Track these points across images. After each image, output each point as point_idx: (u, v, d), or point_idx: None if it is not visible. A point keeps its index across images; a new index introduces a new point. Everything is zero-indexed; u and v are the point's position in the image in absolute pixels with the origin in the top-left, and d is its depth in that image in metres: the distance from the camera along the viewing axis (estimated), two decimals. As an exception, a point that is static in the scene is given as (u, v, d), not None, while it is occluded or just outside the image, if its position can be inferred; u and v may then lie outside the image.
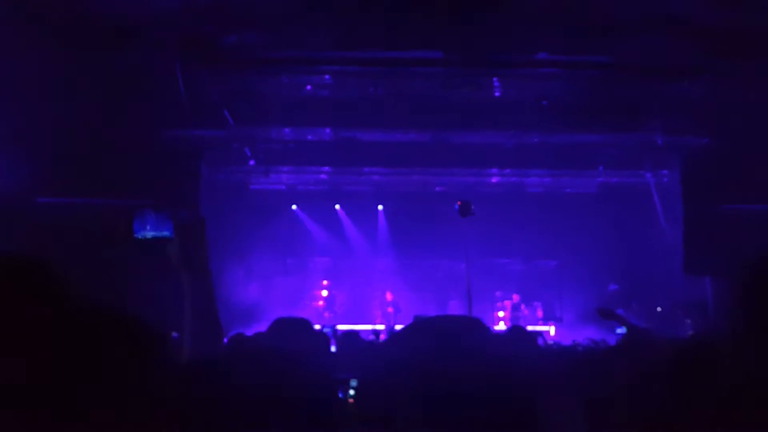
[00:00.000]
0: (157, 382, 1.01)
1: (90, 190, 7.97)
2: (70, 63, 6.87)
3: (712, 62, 7.28)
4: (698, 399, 1.17)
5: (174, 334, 1.75)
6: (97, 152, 7.81)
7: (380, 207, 11.97)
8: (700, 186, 8.94)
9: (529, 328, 9.72)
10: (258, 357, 1.38)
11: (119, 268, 6.76)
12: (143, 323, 1.02)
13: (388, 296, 11.53)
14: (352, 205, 11.80)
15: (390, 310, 11.40)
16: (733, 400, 0.94)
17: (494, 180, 11.01)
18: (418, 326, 1.10)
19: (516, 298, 11.81)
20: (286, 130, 9.29)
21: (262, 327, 2.64)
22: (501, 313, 11.72)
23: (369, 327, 10.03)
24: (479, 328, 1.09)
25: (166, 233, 1.90)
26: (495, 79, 8.13)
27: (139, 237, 1.90)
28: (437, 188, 11.41)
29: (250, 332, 2.94)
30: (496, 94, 8.45)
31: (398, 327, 4.94)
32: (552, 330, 11.08)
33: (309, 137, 9.44)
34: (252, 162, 9.83)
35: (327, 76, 8.08)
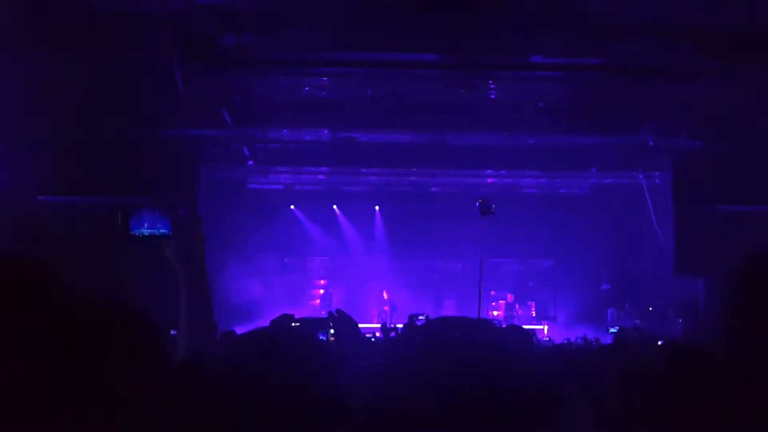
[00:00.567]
0: (155, 379, 1.02)
1: (89, 189, 8.01)
2: (70, 62, 6.91)
3: (704, 65, 7.38)
4: (687, 397, 1.18)
5: (172, 331, 1.77)
6: (96, 151, 7.85)
7: (377, 207, 12.05)
8: (692, 187, 9.05)
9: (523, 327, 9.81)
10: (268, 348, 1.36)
11: (118, 266, 6.82)
12: (141, 320, 1.03)
13: (385, 295, 11.62)
14: (350, 205, 11.87)
15: (386, 308, 11.49)
16: (723, 398, 0.95)
17: (490, 181, 11.10)
18: (438, 326, 1.14)
19: (510, 297, 11.92)
20: (285, 130, 9.34)
21: (263, 323, 2.71)
22: (495, 312, 11.83)
23: (366, 326, 10.11)
24: (492, 330, 1.14)
25: (163, 230, 1.89)
26: (490, 81, 8.22)
27: (137, 234, 1.90)
28: (433, 189, 11.50)
29: (250, 329, 2.99)
30: (492, 96, 8.54)
31: (399, 325, 5.02)
32: (545, 329, 11.20)
33: (307, 138, 9.50)
34: (251, 162, 9.88)
35: (325, 78, 8.13)
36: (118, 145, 7.88)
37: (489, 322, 1.15)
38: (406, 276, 11.80)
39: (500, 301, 11.93)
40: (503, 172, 10.74)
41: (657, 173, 10.31)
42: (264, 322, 2.69)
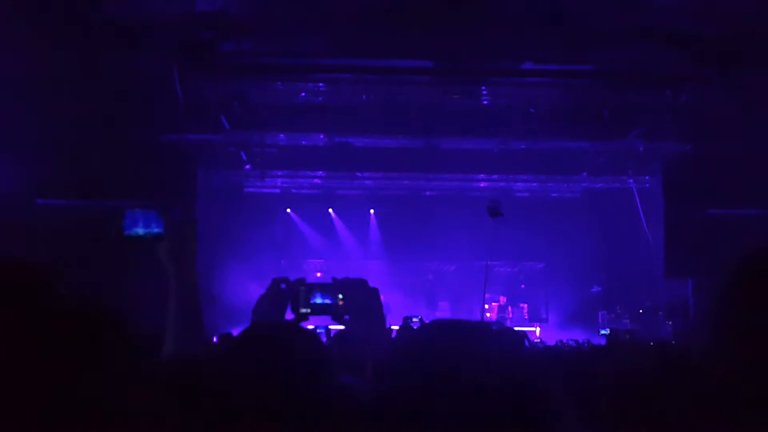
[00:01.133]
0: (149, 380, 1.03)
1: (87, 193, 8.07)
2: (70, 66, 6.98)
3: (694, 71, 7.52)
4: (677, 400, 1.20)
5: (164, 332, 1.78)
6: (95, 155, 7.91)
7: (372, 211, 12.15)
8: (682, 191, 9.18)
9: (515, 329, 9.93)
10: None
11: (115, 268, 6.88)
12: (132, 324, 1.03)
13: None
14: (345, 209, 11.94)
15: (381, 310, 11.56)
16: (712, 400, 0.95)
17: (483, 185, 11.21)
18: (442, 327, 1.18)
19: (503, 299, 12.03)
20: (281, 135, 9.43)
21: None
22: (488, 314, 11.93)
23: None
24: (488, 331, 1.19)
25: (156, 231, 1.88)
26: (483, 87, 8.34)
27: (130, 235, 1.89)
28: (427, 193, 11.60)
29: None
30: (485, 102, 8.66)
31: (395, 327, 5.11)
32: (537, 331, 11.32)
33: (303, 142, 9.60)
34: (248, 166, 9.96)
35: (321, 84, 8.24)
36: (117, 150, 7.94)
37: (486, 324, 1.23)
38: (401, 278, 11.89)
39: (493, 304, 12.04)
40: (495, 176, 10.86)
41: (647, 177, 10.44)
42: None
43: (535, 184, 11.48)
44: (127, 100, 7.53)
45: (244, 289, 10.08)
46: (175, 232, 1.88)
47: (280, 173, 10.79)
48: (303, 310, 2.34)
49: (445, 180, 11.09)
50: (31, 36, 6.47)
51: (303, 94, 8.43)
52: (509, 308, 11.98)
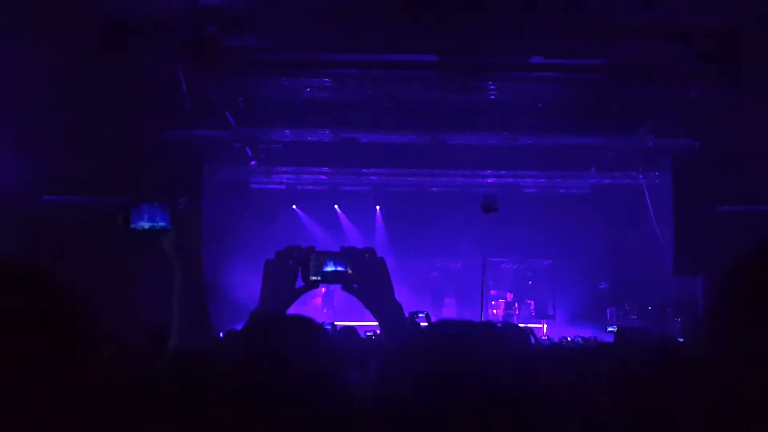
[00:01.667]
0: (154, 376, 1.06)
1: (93, 190, 8.09)
2: (74, 64, 6.98)
3: (703, 66, 7.45)
4: (683, 398, 1.23)
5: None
6: (100, 152, 7.93)
7: (378, 207, 12.13)
8: (691, 187, 9.12)
9: (521, 325, 9.90)
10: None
11: (122, 264, 6.89)
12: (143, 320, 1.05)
13: (385, 294, 11.67)
14: (351, 205, 11.95)
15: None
16: (718, 399, 0.94)
17: (490, 181, 11.17)
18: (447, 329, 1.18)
19: (510, 296, 12.00)
20: (287, 131, 9.41)
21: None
22: (495, 311, 11.91)
23: (367, 324, 10.17)
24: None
25: (162, 224, 1.90)
26: (490, 82, 8.29)
27: (136, 228, 1.91)
28: (434, 189, 11.56)
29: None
30: (492, 97, 8.60)
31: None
32: (544, 327, 11.28)
33: (309, 138, 9.57)
34: (253, 162, 9.95)
35: (327, 79, 8.20)
36: (123, 146, 7.96)
37: (491, 324, 1.21)
38: (407, 275, 11.88)
39: (500, 300, 12.01)
40: (503, 172, 10.81)
41: (656, 173, 10.37)
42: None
43: (542, 180, 11.43)
44: (132, 96, 7.53)
45: (250, 285, 10.09)
46: (181, 225, 1.89)
47: (285, 169, 10.79)
48: (313, 278, 2.30)
49: (451, 176, 11.06)
50: (36, 33, 6.47)
51: (308, 89, 8.40)
52: (516, 305, 11.95)
